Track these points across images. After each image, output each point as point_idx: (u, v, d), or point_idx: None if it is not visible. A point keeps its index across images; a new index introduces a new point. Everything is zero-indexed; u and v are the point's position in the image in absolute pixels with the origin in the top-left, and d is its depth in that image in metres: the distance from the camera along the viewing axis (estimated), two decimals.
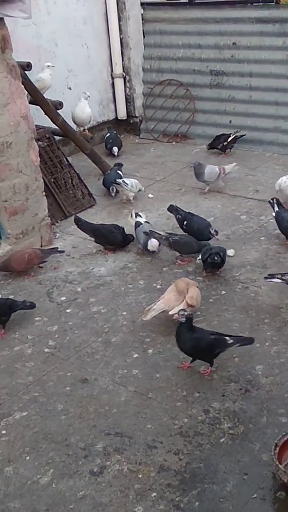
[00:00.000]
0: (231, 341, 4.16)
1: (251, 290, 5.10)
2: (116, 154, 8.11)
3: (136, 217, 5.96)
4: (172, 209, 6.04)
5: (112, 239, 5.85)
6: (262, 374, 4.16)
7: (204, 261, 5.27)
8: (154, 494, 3.37)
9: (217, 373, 4.20)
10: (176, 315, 4.21)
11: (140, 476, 3.49)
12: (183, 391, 4.08)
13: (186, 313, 4.14)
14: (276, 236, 5.89)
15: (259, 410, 3.86)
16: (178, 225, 5.90)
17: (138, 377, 4.22)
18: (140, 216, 5.98)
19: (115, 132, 8.51)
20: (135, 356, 4.45)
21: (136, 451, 3.66)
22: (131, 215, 6.04)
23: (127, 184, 6.74)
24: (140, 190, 6.86)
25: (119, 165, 7.30)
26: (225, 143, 7.87)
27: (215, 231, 5.65)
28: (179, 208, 6.02)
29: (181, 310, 4.20)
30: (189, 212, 5.95)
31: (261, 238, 5.90)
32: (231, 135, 7.85)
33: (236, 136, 7.84)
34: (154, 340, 4.59)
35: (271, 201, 5.83)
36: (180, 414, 3.89)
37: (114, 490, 3.42)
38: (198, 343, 4.14)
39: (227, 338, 4.18)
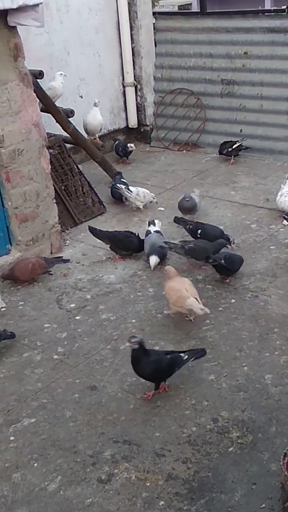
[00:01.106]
0: (186, 357, 4.11)
1: (261, 299, 5.09)
2: (131, 149, 8.10)
3: (149, 225, 5.97)
4: (178, 220, 6.08)
5: (129, 244, 5.88)
6: (271, 384, 4.14)
7: (210, 264, 5.34)
8: (162, 502, 3.36)
9: (226, 382, 4.19)
10: (128, 343, 4.03)
11: (148, 484, 3.48)
12: (192, 399, 4.07)
13: (137, 339, 4.01)
14: (286, 245, 5.88)
15: (268, 419, 3.85)
16: (190, 235, 5.90)
17: (146, 385, 4.21)
18: (154, 224, 5.99)
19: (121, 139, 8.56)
20: None
21: (144, 459, 3.65)
22: (148, 223, 6.04)
23: (130, 191, 6.75)
24: (151, 201, 6.84)
25: (119, 174, 7.29)
26: (229, 149, 7.89)
27: (233, 240, 5.68)
28: (185, 219, 6.07)
29: (132, 337, 4.05)
30: (198, 222, 5.98)
31: (271, 247, 5.89)
32: (237, 142, 7.87)
33: (241, 144, 7.84)
34: (163, 348, 4.58)
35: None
36: (189, 422, 3.88)
37: (122, 498, 3.41)
38: (158, 366, 4.04)
39: (182, 354, 4.13)
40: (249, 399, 4.02)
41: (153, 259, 5.61)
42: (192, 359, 4.17)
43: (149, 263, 5.66)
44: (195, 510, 3.30)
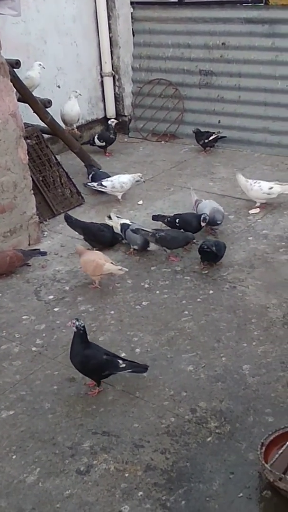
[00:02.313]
0: (123, 365, 4.03)
1: (239, 290, 5.12)
2: (113, 125, 8.03)
3: (118, 218, 5.93)
4: (157, 217, 6.08)
5: (101, 238, 5.83)
6: (249, 374, 4.18)
7: (199, 252, 5.36)
8: (140, 493, 3.38)
9: (204, 372, 4.21)
10: (69, 322, 4.11)
11: (126, 475, 3.49)
12: (170, 390, 4.09)
13: (77, 323, 4.02)
14: (264, 236, 5.91)
15: (246, 409, 3.88)
16: (170, 227, 5.91)
17: (125, 376, 4.22)
18: (119, 217, 5.97)
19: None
20: (122, 355, 4.42)
21: (123, 450, 3.66)
22: (110, 217, 5.99)
23: (105, 186, 6.70)
24: (138, 181, 6.75)
25: (91, 167, 7.23)
26: (206, 141, 7.92)
27: (204, 218, 5.70)
28: (163, 214, 6.11)
29: (76, 318, 4.08)
30: (175, 214, 6.02)
31: (249, 238, 5.92)
32: (214, 134, 7.89)
33: (218, 136, 7.88)
34: (142, 339, 4.60)
35: None
36: (167, 413, 3.90)
37: (101, 489, 3.42)
38: (87, 360, 4.01)
39: (120, 361, 4.04)
40: (227, 389, 4.05)
41: (153, 247, 5.68)
42: (129, 370, 4.07)
43: (145, 249, 5.74)
44: (174, 500, 3.32)
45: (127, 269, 5.23)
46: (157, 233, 5.57)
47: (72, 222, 5.95)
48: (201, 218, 5.70)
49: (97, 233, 5.83)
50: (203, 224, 5.71)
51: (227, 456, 3.56)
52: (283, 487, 3.20)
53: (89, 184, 6.80)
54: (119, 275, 5.23)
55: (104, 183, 6.72)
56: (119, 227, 5.83)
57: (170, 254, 5.62)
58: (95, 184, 6.72)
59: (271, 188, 6.30)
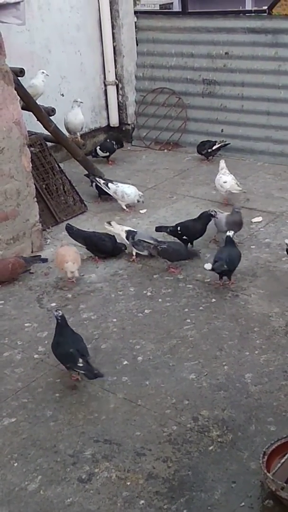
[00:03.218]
0: (81, 364, 4.08)
1: (241, 298, 5.11)
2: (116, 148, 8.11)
3: (118, 224, 5.95)
4: (160, 228, 6.06)
5: (102, 248, 5.84)
6: (251, 383, 4.17)
7: (212, 269, 5.19)
8: (142, 501, 3.37)
9: (207, 381, 4.21)
10: (54, 311, 4.37)
11: (128, 483, 3.48)
12: (172, 398, 4.08)
13: (55, 313, 4.28)
14: (266, 245, 5.92)
15: (248, 418, 3.87)
16: (172, 236, 5.92)
17: (127, 384, 4.22)
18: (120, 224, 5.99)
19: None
20: (124, 363, 4.45)
21: (125, 458, 3.65)
22: (109, 223, 5.99)
23: (108, 188, 6.72)
24: (138, 201, 6.73)
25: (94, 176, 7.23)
26: (209, 150, 7.94)
27: (214, 211, 5.79)
28: (166, 226, 6.08)
29: (57, 309, 4.38)
30: (177, 223, 6.01)
31: (251, 247, 5.92)
32: (217, 143, 7.91)
33: (221, 145, 7.91)
34: (144, 347, 4.60)
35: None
36: (169, 421, 3.89)
37: (102, 497, 3.41)
38: (55, 348, 4.27)
39: (80, 360, 4.09)
40: (229, 398, 4.04)
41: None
42: (83, 372, 4.11)
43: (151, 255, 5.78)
44: (175, 509, 3.31)
45: (77, 275, 5.44)
46: (159, 246, 5.55)
47: (74, 233, 5.97)
48: (212, 212, 5.79)
49: (98, 243, 5.84)
50: (212, 218, 5.78)
51: (229, 465, 3.55)
52: (285, 496, 3.18)
53: (97, 178, 6.82)
54: (73, 279, 5.44)
55: (109, 184, 6.76)
56: (123, 235, 5.82)
57: (170, 265, 5.61)
58: (101, 181, 6.75)
59: (225, 182, 6.61)
